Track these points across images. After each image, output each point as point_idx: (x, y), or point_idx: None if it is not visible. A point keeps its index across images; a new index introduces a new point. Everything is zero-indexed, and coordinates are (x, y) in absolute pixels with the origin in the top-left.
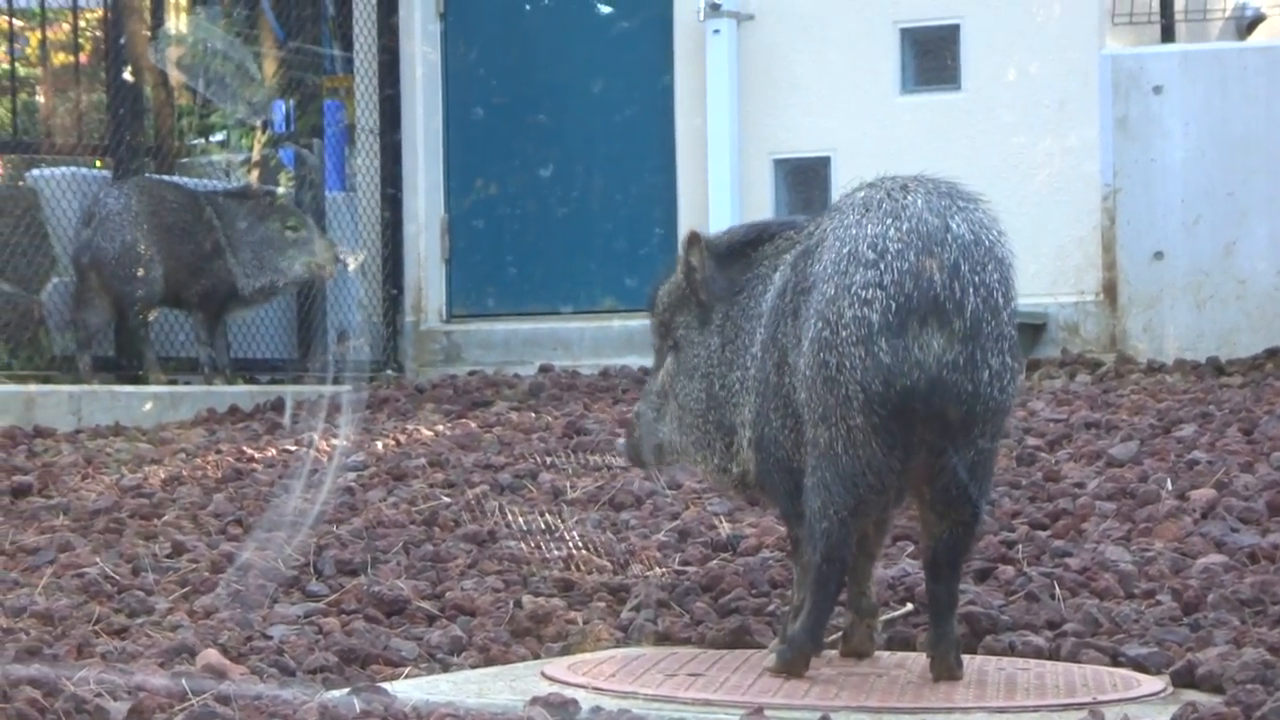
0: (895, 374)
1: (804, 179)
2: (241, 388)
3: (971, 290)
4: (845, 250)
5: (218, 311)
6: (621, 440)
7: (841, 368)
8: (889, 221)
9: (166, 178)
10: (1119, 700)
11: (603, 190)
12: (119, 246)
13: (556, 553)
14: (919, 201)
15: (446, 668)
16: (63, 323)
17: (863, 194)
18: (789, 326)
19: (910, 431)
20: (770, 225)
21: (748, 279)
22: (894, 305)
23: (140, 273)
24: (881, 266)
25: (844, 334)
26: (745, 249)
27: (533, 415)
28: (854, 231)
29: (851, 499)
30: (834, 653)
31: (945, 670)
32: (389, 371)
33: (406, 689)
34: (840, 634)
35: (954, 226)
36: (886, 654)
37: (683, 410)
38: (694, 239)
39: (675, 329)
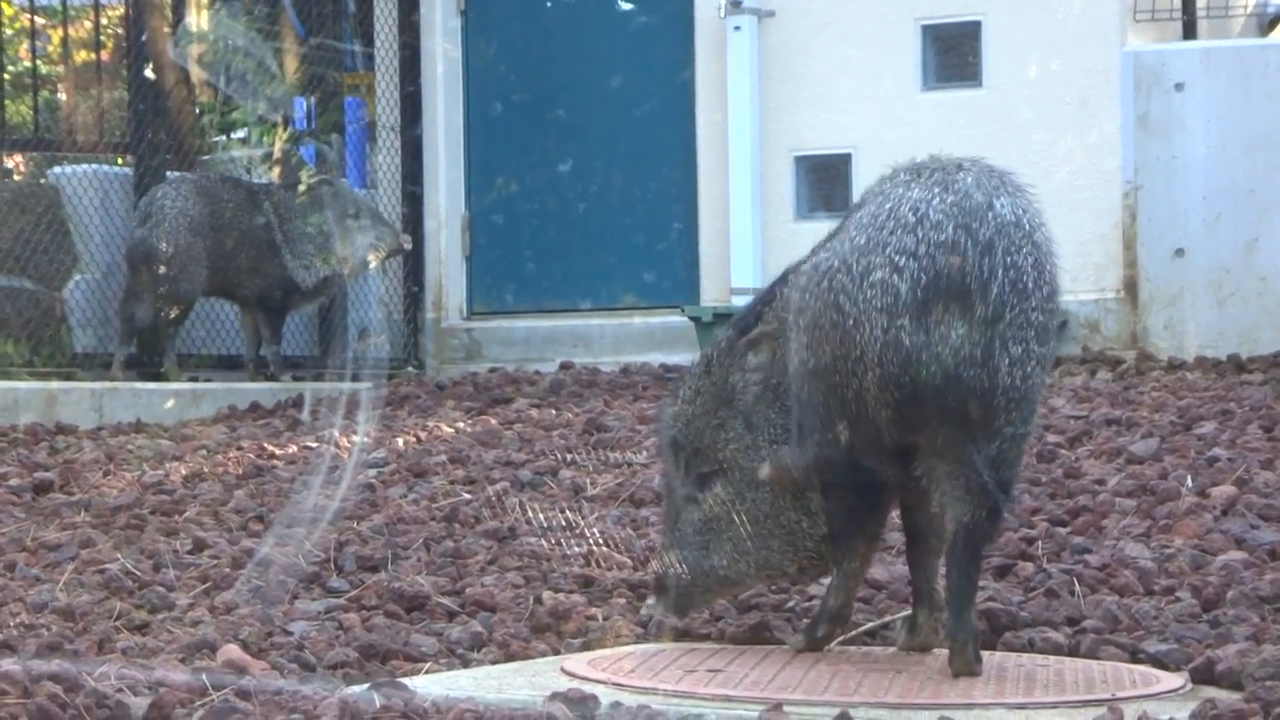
0: (913, 362)
1: (825, 176)
2: (263, 385)
3: (1001, 270)
4: (887, 206)
5: (280, 308)
6: (652, 603)
7: (859, 326)
8: (936, 190)
9: (226, 175)
10: (1138, 697)
11: (622, 186)
12: (173, 247)
13: (577, 549)
14: (969, 179)
15: (466, 663)
16: (84, 320)
17: (917, 164)
18: None
19: (919, 415)
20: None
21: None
22: (924, 279)
23: (190, 273)
24: (919, 234)
25: (869, 293)
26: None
27: (553, 412)
28: (900, 191)
29: (839, 430)
30: (854, 649)
31: (964, 665)
32: (409, 368)
33: (427, 684)
34: (905, 628)
35: (997, 205)
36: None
37: (755, 524)
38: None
39: (719, 449)
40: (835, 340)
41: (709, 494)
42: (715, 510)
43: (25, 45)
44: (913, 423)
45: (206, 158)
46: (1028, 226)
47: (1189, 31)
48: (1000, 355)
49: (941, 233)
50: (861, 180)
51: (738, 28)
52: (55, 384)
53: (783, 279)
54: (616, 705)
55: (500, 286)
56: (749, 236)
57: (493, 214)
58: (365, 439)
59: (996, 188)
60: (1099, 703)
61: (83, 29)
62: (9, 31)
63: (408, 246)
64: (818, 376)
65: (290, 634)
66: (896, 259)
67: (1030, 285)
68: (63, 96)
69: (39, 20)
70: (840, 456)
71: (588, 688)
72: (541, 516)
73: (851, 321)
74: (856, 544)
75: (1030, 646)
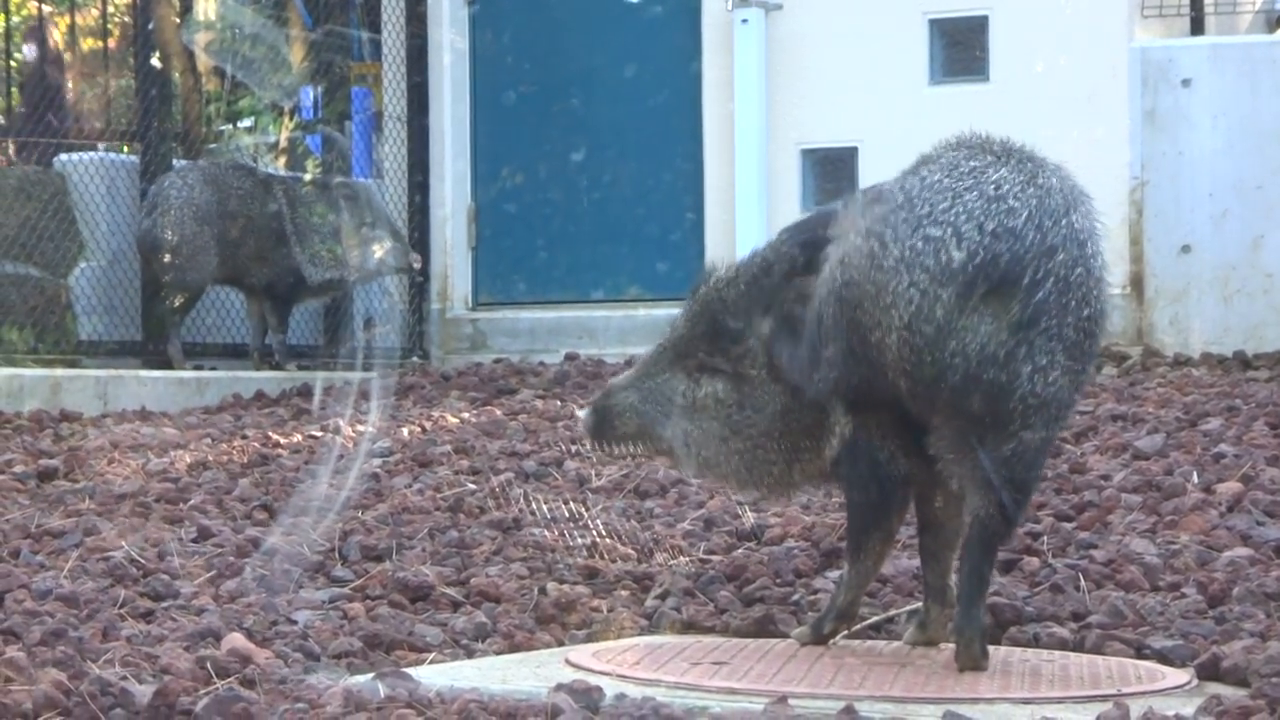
0: (938, 343)
1: (831, 169)
2: (267, 373)
3: (1053, 279)
4: (971, 165)
5: (286, 298)
6: (585, 413)
7: (897, 273)
8: (1023, 178)
9: (241, 162)
10: (1143, 693)
11: (632, 177)
12: (179, 236)
13: (581, 540)
14: (1054, 180)
15: (471, 654)
16: (90, 307)
17: (1006, 145)
18: None
19: (933, 397)
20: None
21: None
22: (980, 256)
23: (198, 262)
24: (993, 209)
25: (919, 244)
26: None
27: (558, 403)
28: (987, 160)
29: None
30: (859, 643)
31: (970, 660)
32: (415, 358)
33: (431, 674)
34: (915, 623)
35: (1073, 216)
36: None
37: (732, 437)
38: None
39: (739, 360)
40: (866, 272)
41: (708, 385)
42: (705, 403)
43: None
44: (927, 402)
45: (213, 146)
46: (1090, 250)
47: (1197, 27)
48: (1024, 361)
49: (1015, 219)
50: (868, 174)
51: (745, 20)
52: (60, 371)
53: (847, 201)
54: (621, 697)
55: (506, 277)
56: (755, 229)
57: (499, 205)
58: (370, 429)
59: (1075, 202)
60: (1104, 698)
61: (90, 17)
62: (16, 19)
63: (417, 265)
64: (843, 303)
65: (294, 623)
66: (962, 223)
67: (1073, 303)
68: (69, 84)
69: (46, 8)
70: (862, 443)
71: (592, 679)
72: (546, 507)
73: (890, 263)
74: (873, 542)
75: (1035, 641)
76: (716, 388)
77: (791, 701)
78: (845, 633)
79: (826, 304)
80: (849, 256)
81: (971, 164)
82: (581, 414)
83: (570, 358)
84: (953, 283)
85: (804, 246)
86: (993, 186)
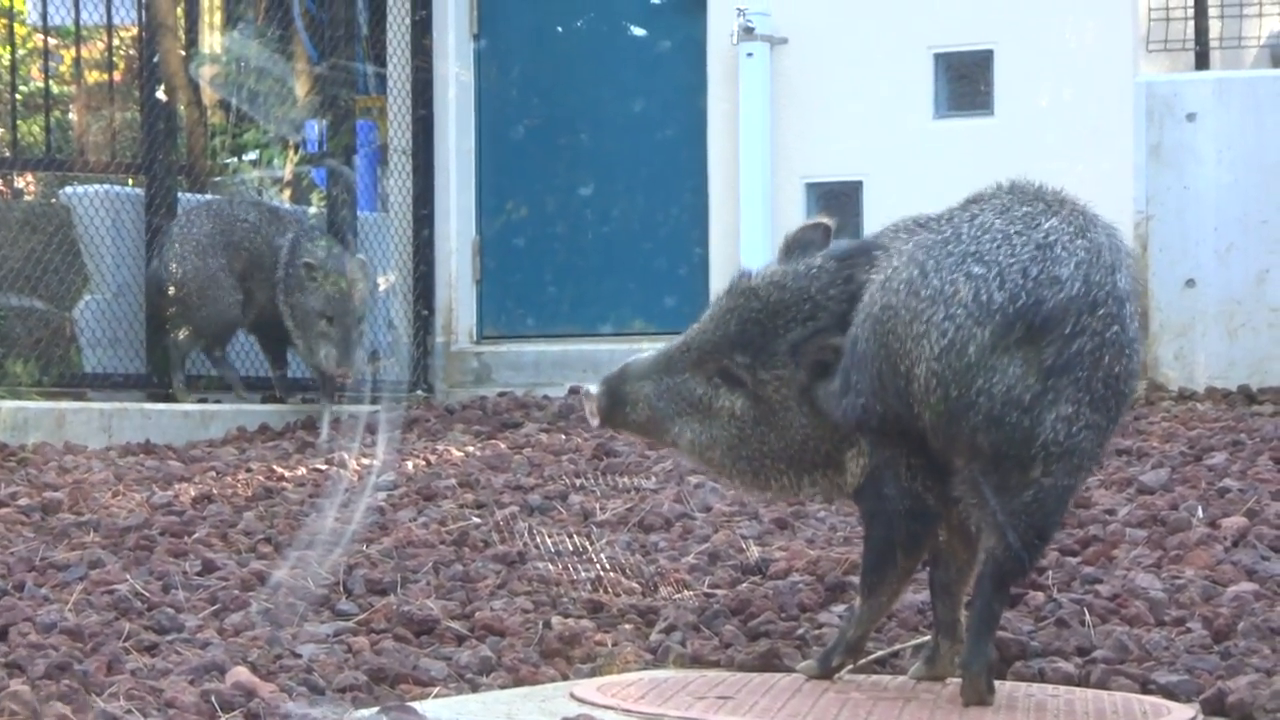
0: (966, 381)
1: (836, 203)
2: (272, 407)
3: (1089, 334)
4: (1024, 210)
5: (280, 337)
6: (595, 390)
7: (934, 304)
8: (1073, 230)
9: (260, 200)
10: None
11: (639, 212)
12: (178, 276)
13: (586, 574)
14: (1103, 237)
15: (475, 688)
16: (94, 340)
17: (1060, 195)
18: None
19: (955, 434)
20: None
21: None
22: (1023, 300)
23: (198, 301)
24: (1040, 259)
25: (960, 279)
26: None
27: (562, 437)
28: (1040, 208)
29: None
30: (864, 677)
31: (976, 695)
32: (419, 392)
33: (435, 709)
34: (923, 658)
35: (1118, 277)
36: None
37: (741, 446)
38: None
39: (765, 385)
40: (904, 298)
41: (725, 396)
42: (719, 412)
43: (37, 65)
44: (948, 439)
45: (218, 179)
46: (1129, 310)
47: (1201, 62)
48: (1049, 408)
49: (1061, 268)
50: (872, 208)
51: (750, 55)
52: (64, 404)
53: (902, 226)
54: None
55: (511, 311)
56: (759, 263)
57: (504, 238)
58: (374, 462)
59: (1120, 261)
60: None
61: (95, 49)
62: (21, 51)
63: (335, 372)
64: (878, 326)
65: (299, 656)
66: (1007, 265)
67: (1106, 359)
68: (74, 117)
69: (51, 40)
70: (888, 479)
71: (597, 713)
72: (551, 541)
73: (928, 293)
74: (890, 579)
75: (1040, 676)
76: (734, 402)
77: None
78: (851, 667)
79: (863, 327)
80: (889, 281)
81: (1024, 209)
82: (594, 390)
83: (575, 391)
84: (990, 321)
85: (839, 254)
86: (1042, 234)
